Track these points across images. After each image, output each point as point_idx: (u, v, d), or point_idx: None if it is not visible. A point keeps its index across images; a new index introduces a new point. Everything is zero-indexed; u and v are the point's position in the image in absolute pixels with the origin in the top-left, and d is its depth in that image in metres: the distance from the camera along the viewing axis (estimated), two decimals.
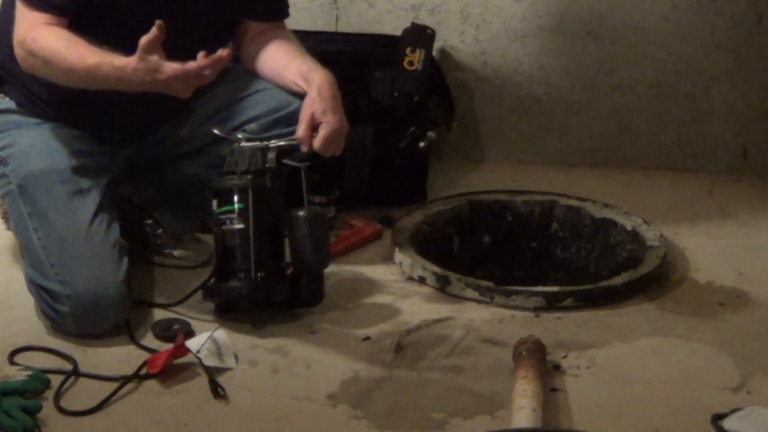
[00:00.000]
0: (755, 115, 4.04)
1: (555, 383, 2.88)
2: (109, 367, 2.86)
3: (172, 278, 3.30)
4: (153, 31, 2.86)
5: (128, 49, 2.94)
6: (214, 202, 3.10)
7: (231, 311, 3.12)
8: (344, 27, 4.02)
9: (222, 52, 2.87)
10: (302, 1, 3.84)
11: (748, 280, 3.41)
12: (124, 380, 2.80)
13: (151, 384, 2.81)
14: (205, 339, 2.94)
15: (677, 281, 3.40)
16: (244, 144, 3.12)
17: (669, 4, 3.96)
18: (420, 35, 3.86)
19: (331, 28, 4.01)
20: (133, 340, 2.99)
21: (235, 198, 3.06)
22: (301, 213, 3.08)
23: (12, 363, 2.87)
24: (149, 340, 3.00)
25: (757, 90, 4.02)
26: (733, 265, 3.49)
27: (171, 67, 2.87)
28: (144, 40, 2.86)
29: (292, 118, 3.14)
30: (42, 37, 3.01)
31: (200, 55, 2.86)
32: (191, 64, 2.86)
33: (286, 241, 3.13)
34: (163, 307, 3.16)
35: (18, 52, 3.08)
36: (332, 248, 3.27)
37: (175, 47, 3.03)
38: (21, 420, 2.61)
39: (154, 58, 2.87)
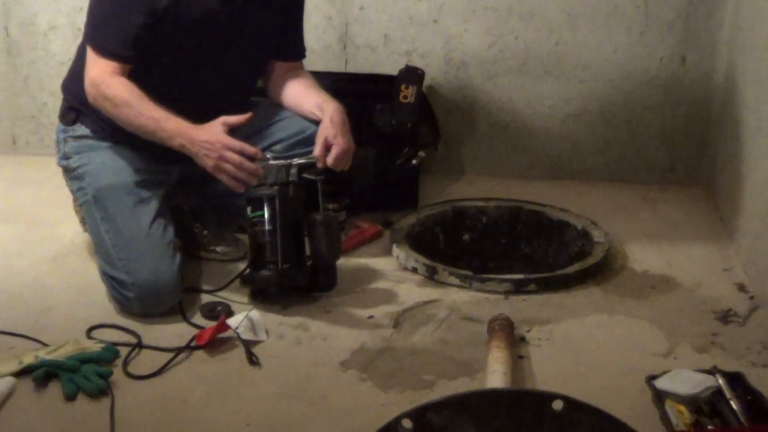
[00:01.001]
0: (680, 137, 4.03)
1: (521, 352, 2.89)
2: (165, 341, 2.89)
3: (215, 270, 3.31)
4: (242, 119, 3.03)
5: (171, 88, 3.08)
6: (248, 209, 3.12)
7: (262, 295, 3.13)
8: (352, 68, 4.02)
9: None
10: (319, 48, 3.86)
11: (674, 268, 3.42)
12: (178, 351, 2.83)
13: (199, 354, 2.85)
14: (242, 317, 2.98)
15: (618, 270, 3.40)
16: (271, 162, 3.11)
17: (611, 48, 3.96)
18: (412, 75, 3.86)
19: (342, 69, 4.01)
20: (185, 319, 3.01)
21: (265, 205, 3.07)
22: (318, 216, 3.10)
23: (89, 337, 2.89)
24: (198, 318, 3.03)
25: (681, 117, 4.02)
26: (663, 256, 3.49)
27: (227, 150, 2.98)
28: (232, 120, 3.01)
29: (309, 141, 3.15)
30: (115, 86, 3.05)
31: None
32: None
33: (306, 239, 3.12)
34: (209, 292, 3.17)
35: (89, 91, 3.09)
36: (343, 245, 3.26)
37: (214, 83, 3.04)
38: (96, 383, 2.65)
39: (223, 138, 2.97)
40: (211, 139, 3.00)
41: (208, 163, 3.00)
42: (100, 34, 3.11)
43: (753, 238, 3.34)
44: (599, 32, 3.94)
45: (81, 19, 3.42)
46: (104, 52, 3.08)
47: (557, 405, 2.17)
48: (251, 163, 2.99)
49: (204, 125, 3.03)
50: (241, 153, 2.99)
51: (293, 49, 3.39)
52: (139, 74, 3.08)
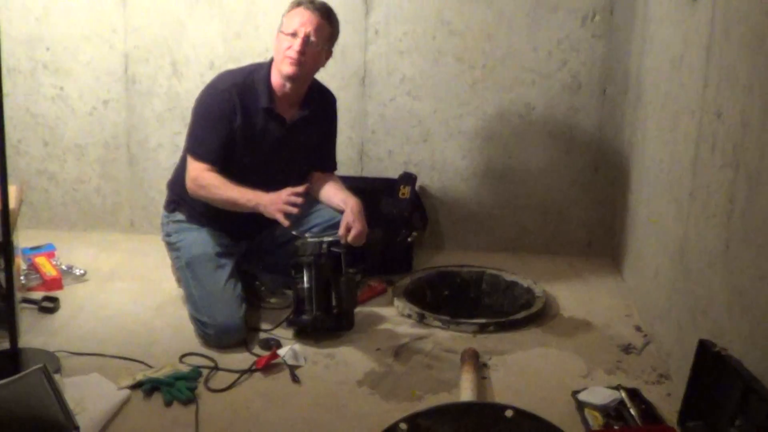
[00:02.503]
0: (595, 224, 4.01)
1: (484, 374, 2.87)
2: (234, 365, 2.87)
3: (269, 315, 3.27)
4: (300, 189, 3.05)
5: (244, 180, 3.09)
6: (293, 272, 3.10)
7: (302, 334, 3.09)
8: (366, 173, 4.00)
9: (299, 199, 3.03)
10: (344, 159, 3.82)
11: (591, 315, 3.39)
12: (243, 372, 2.81)
13: (258, 374, 2.83)
14: (288, 349, 2.96)
15: (552, 316, 3.37)
16: (309, 240, 3.12)
17: (546, 159, 3.94)
18: (408, 178, 3.90)
19: (359, 174, 3.99)
20: (248, 350, 2.98)
21: (304, 270, 3.07)
22: (342, 278, 3.09)
23: (181, 362, 2.88)
24: (257, 349, 2.99)
25: (595, 209, 3.99)
26: (583, 307, 3.46)
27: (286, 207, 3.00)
28: (291, 190, 3.03)
29: (336, 225, 3.15)
30: (208, 178, 3.11)
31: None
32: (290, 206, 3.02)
33: (333, 293, 3.10)
34: (265, 331, 3.13)
35: (190, 186, 3.14)
36: (359, 298, 3.25)
37: (272, 180, 3.07)
38: (186, 394, 2.66)
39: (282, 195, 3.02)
40: (273, 198, 3.02)
41: (273, 210, 3.00)
42: (196, 146, 3.15)
43: (644, 294, 3.33)
44: (539, 149, 3.93)
45: (179, 139, 3.48)
46: (199, 158, 3.12)
47: (509, 413, 2.18)
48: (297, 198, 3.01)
49: (274, 193, 3.05)
50: (295, 195, 3.02)
51: (328, 164, 3.40)
52: (225, 170, 3.11)
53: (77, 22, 3.87)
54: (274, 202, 3.02)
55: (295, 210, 3.01)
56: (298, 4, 3.10)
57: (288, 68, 3.07)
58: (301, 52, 3.04)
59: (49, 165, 4.04)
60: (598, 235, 4.02)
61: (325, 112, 3.35)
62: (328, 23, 3.10)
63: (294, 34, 3.04)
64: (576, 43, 3.80)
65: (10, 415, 2.22)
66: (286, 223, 3.01)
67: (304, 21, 3.05)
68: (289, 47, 3.05)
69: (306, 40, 3.04)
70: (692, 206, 2.72)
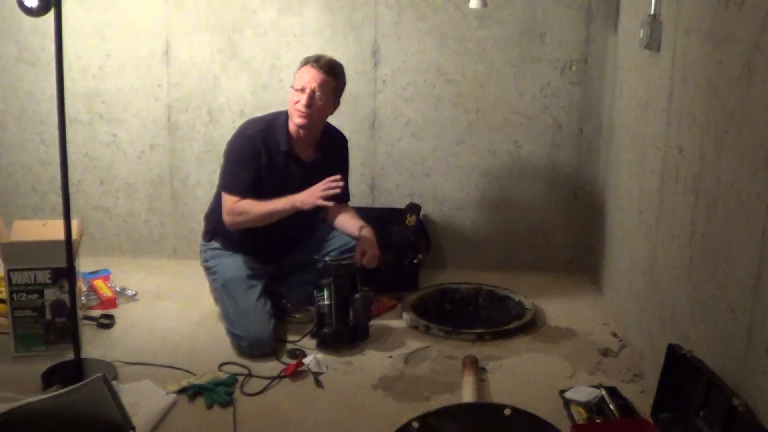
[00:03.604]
0: (575, 244, 3.99)
1: (483, 377, 2.86)
2: (266, 372, 2.86)
3: (295, 329, 3.25)
4: (335, 178, 3.07)
5: None
6: (315, 291, 3.11)
7: (324, 345, 3.07)
8: (377, 204, 3.99)
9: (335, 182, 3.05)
10: (356, 192, 3.83)
11: (574, 324, 3.38)
12: (273, 378, 2.81)
13: (286, 380, 2.82)
14: (312, 358, 2.95)
15: (540, 325, 3.36)
16: (329, 262, 3.12)
17: (532, 190, 3.93)
18: (413, 208, 3.89)
19: (371, 205, 3.98)
20: (277, 359, 2.97)
21: (325, 289, 3.08)
22: (357, 295, 3.09)
23: (220, 370, 2.87)
24: (285, 358, 2.97)
25: (575, 232, 3.97)
26: (567, 317, 3.45)
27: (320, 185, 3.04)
28: (326, 180, 3.06)
29: (352, 249, 3.16)
30: (241, 205, 3.10)
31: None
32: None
33: (350, 309, 3.10)
34: (291, 342, 3.12)
35: (226, 218, 3.14)
36: (372, 312, 3.23)
37: (296, 212, 3.05)
38: (225, 398, 2.65)
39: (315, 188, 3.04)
40: (309, 192, 3.05)
41: (312, 201, 3.03)
42: (229, 183, 3.16)
43: (619, 305, 3.32)
44: (526, 181, 3.92)
45: (215, 177, 3.49)
46: (232, 192, 3.13)
47: (507, 411, 2.20)
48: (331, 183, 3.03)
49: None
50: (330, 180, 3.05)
51: (342, 196, 3.36)
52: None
53: (128, 78, 3.91)
54: (311, 195, 3.03)
55: (336, 191, 3.02)
56: (306, 63, 3.13)
57: (298, 119, 3.11)
58: (308, 106, 3.07)
59: (104, 201, 4.07)
60: (578, 254, 4.00)
61: (338, 151, 3.37)
62: (332, 78, 3.13)
63: (302, 90, 3.08)
64: (556, 89, 3.82)
65: (75, 417, 2.24)
66: (329, 204, 3.04)
67: (310, 79, 3.08)
68: (298, 101, 3.09)
69: (312, 95, 3.07)
70: (659, 228, 2.73)
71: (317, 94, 3.08)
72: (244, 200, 3.10)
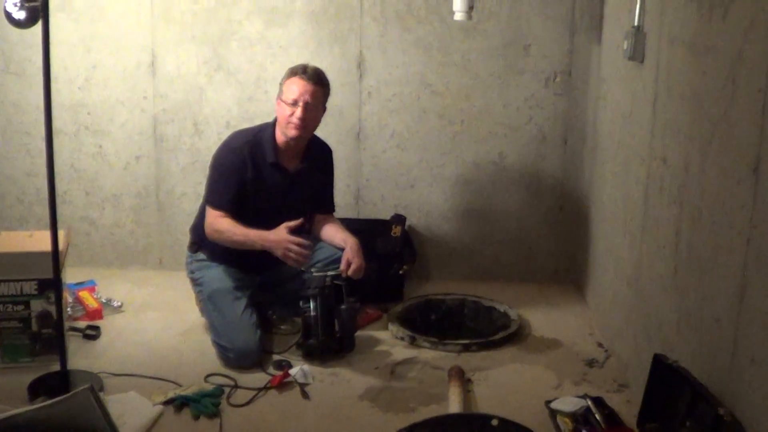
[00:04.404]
0: (560, 254, 4.00)
1: (469, 388, 2.86)
2: (252, 383, 2.84)
3: (281, 340, 3.25)
4: (296, 223, 3.02)
5: (254, 221, 3.07)
6: (302, 302, 3.08)
7: (310, 356, 3.06)
8: (362, 216, 3.99)
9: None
10: (342, 203, 3.84)
11: (560, 334, 3.38)
12: (259, 389, 2.79)
13: (272, 391, 2.81)
14: (298, 369, 2.94)
15: (526, 336, 3.36)
16: (315, 274, 3.11)
17: (517, 200, 3.94)
18: (399, 219, 3.90)
19: (356, 216, 3.98)
20: (263, 370, 2.96)
21: (311, 300, 3.06)
22: (343, 306, 3.08)
23: (206, 381, 2.86)
24: (271, 370, 2.97)
25: (560, 243, 3.99)
26: (552, 327, 3.45)
27: (289, 243, 2.97)
28: (291, 224, 3.01)
29: (338, 261, 3.14)
30: (221, 223, 3.09)
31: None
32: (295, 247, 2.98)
33: (336, 320, 3.08)
34: (277, 354, 3.11)
35: (207, 230, 3.13)
36: (358, 323, 3.22)
37: (277, 221, 3.04)
38: (211, 409, 2.64)
39: (286, 236, 2.99)
40: (278, 239, 3.00)
41: (279, 253, 2.99)
42: (213, 196, 3.15)
43: (603, 315, 3.33)
44: (511, 192, 3.94)
45: (200, 189, 3.47)
46: (215, 206, 3.12)
47: (494, 422, 2.20)
48: (303, 249, 2.98)
49: (275, 230, 3.02)
50: (298, 244, 2.98)
51: (327, 206, 3.40)
52: (239, 214, 3.10)
53: (114, 90, 3.90)
54: (279, 244, 3.00)
55: (304, 260, 3.00)
56: (294, 74, 3.12)
57: (293, 132, 3.10)
58: (303, 119, 3.08)
59: (90, 212, 4.05)
60: (563, 264, 4.01)
61: (323, 162, 3.37)
62: (321, 87, 3.14)
63: (294, 103, 3.08)
64: (540, 100, 3.84)
65: (62, 428, 2.22)
66: (299, 266, 3.03)
67: (302, 91, 3.08)
68: (292, 114, 3.08)
69: (306, 107, 3.08)
70: (644, 238, 2.74)
71: (310, 104, 3.09)
72: (225, 218, 3.10)
